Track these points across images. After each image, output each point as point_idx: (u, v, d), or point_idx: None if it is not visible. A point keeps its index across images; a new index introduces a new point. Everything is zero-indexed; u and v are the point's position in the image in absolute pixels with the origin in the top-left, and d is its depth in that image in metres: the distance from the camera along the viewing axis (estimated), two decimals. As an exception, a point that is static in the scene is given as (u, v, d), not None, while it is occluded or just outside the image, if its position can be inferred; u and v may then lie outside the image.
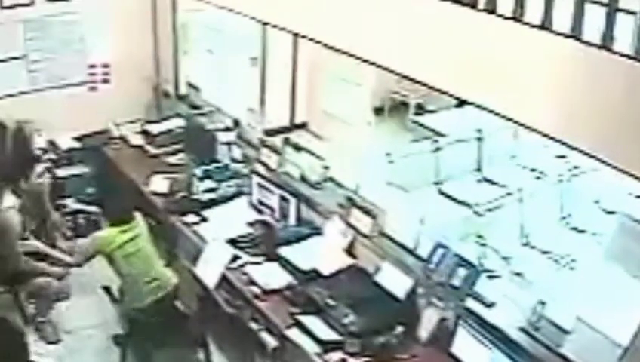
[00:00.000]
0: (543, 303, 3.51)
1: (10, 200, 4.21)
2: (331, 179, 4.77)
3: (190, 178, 5.12)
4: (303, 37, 4.19)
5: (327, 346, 3.69)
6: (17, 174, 4.29)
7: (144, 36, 5.97)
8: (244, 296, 4.15)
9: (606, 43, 2.64)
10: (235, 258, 4.36)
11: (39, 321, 4.71)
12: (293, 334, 3.81)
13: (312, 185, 4.77)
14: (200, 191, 5.02)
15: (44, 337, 4.67)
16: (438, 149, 5.61)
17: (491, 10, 3.01)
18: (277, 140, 5.13)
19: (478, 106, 3.16)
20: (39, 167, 4.34)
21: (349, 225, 4.32)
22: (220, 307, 4.23)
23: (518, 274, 4.40)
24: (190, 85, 6.18)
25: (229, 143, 5.42)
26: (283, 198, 4.72)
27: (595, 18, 2.68)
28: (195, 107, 5.95)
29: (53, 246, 4.53)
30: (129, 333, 4.33)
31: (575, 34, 2.73)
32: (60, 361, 4.52)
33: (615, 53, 2.61)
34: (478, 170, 5.85)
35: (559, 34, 2.77)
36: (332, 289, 3.96)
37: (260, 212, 4.90)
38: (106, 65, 5.85)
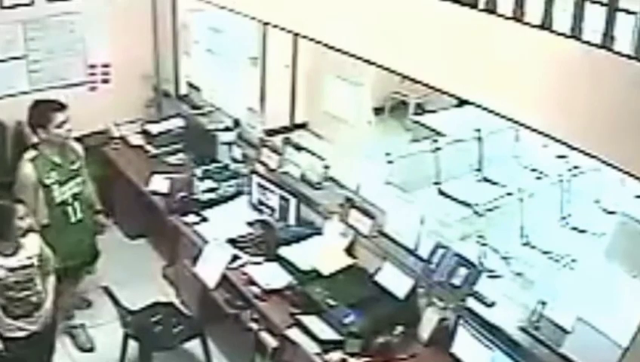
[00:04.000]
0: (543, 303, 3.51)
1: (30, 153, 4.20)
2: (331, 179, 4.76)
3: (190, 178, 5.12)
4: (303, 37, 4.19)
5: (327, 346, 3.69)
6: (39, 122, 4.21)
7: (144, 36, 5.97)
8: (244, 295, 4.15)
9: (606, 43, 2.63)
10: (235, 258, 4.36)
11: (72, 326, 4.72)
12: (293, 334, 3.81)
13: (312, 185, 4.76)
14: (200, 191, 5.01)
15: (78, 345, 4.67)
16: (437, 149, 5.61)
17: (491, 10, 3.01)
18: (277, 140, 5.13)
19: (478, 106, 3.15)
20: (59, 117, 4.19)
21: (349, 225, 4.32)
22: (220, 307, 4.23)
23: (518, 273, 4.40)
24: (190, 85, 6.18)
25: (229, 143, 5.42)
26: (283, 198, 4.72)
27: (595, 18, 2.68)
28: (195, 107, 5.94)
29: None
30: (129, 334, 4.33)
31: (575, 34, 2.73)
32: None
33: (615, 53, 2.61)
34: (478, 169, 5.85)
35: (559, 34, 2.77)
36: (332, 290, 3.96)
37: (260, 212, 4.89)
38: (106, 65, 5.83)
